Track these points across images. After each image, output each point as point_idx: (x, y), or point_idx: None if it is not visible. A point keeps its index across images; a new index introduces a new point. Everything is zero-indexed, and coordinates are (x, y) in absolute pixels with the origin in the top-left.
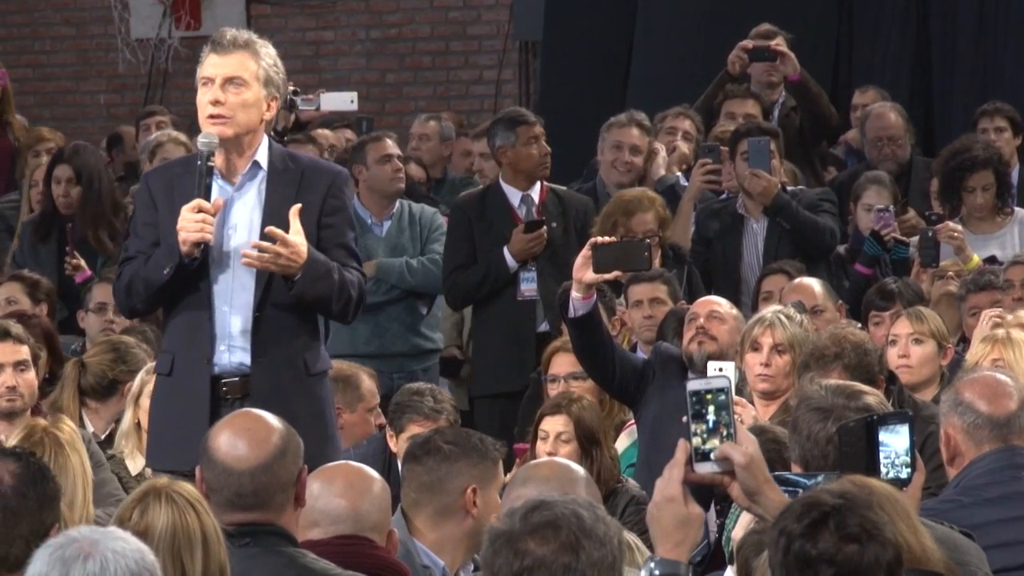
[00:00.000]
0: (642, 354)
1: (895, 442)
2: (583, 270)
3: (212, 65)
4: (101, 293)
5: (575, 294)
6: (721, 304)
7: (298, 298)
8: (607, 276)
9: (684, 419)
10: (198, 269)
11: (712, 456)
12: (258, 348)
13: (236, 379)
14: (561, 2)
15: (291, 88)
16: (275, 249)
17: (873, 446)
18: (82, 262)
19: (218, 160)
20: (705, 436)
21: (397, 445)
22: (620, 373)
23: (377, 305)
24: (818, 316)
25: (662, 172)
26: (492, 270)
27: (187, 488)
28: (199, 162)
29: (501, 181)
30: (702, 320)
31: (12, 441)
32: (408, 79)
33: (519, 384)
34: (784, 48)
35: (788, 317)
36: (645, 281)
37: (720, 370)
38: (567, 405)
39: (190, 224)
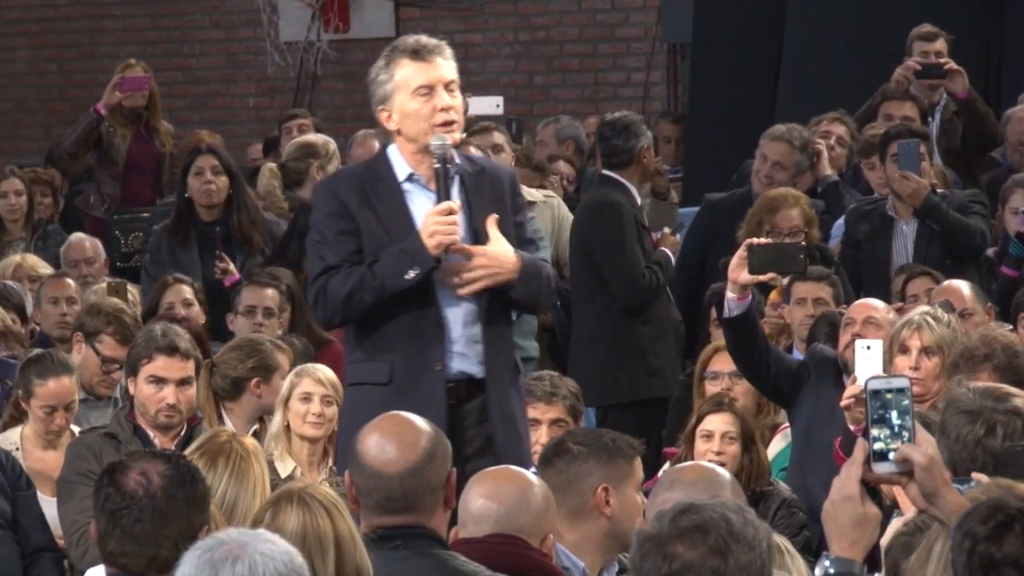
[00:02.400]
0: (798, 353)
1: None
2: (739, 271)
3: (423, 72)
4: (250, 296)
5: (730, 294)
6: (877, 309)
7: (515, 303)
8: (762, 278)
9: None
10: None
11: (891, 457)
12: (488, 352)
13: (453, 384)
14: (710, 3)
15: None
16: (476, 264)
17: None
18: (231, 265)
19: (420, 167)
20: (887, 440)
21: None
22: (775, 373)
23: None
24: (967, 319)
25: (827, 171)
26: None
27: (323, 492)
28: (437, 165)
29: (628, 184)
30: (858, 327)
31: (194, 445)
32: (556, 81)
33: None
34: (954, 65)
35: (936, 319)
36: (812, 280)
37: (868, 348)
38: (730, 404)
39: (443, 227)
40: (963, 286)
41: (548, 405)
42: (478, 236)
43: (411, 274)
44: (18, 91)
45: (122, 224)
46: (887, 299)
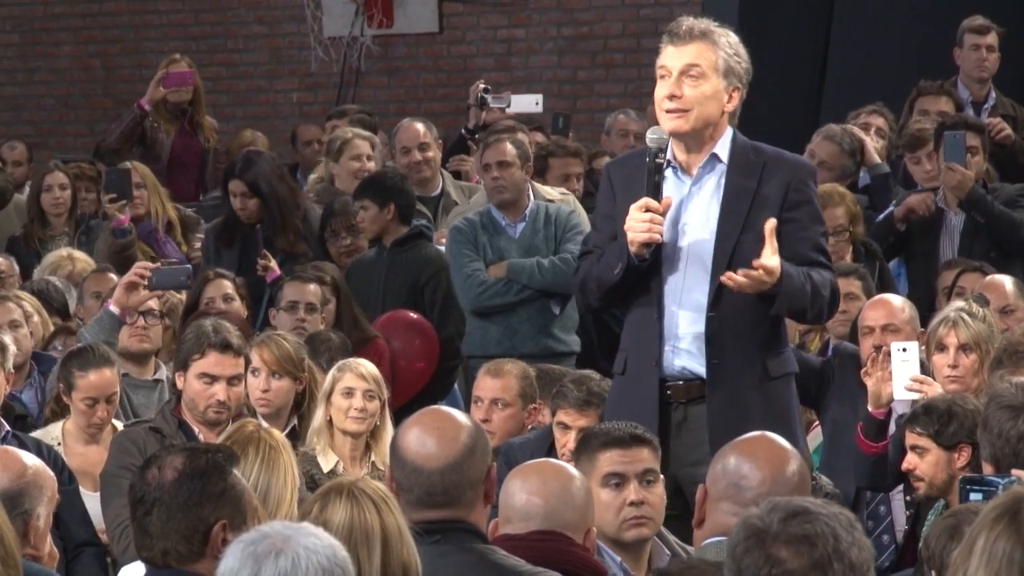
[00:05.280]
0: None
1: None
2: None
3: (668, 56)
4: (292, 291)
5: None
6: (895, 312)
7: (775, 314)
8: None
9: None
10: (650, 266)
11: None
12: (713, 350)
13: (680, 383)
14: None
15: (482, 86)
16: (758, 277)
17: None
18: (272, 262)
19: (677, 154)
20: None
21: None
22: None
23: (508, 306)
24: (1009, 315)
25: (876, 160)
26: None
27: (374, 486)
28: (647, 159)
29: None
30: (878, 334)
31: (223, 436)
32: (600, 76)
33: None
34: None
35: (971, 314)
36: (841, 275)
37: (904, 350)
38: None
39: (637, 224)
40: (1006, 281)
41: (579, 412)
42: (720, 228)
43: (616, 270)
44: (62, 86)
45: None
46: (933, 293)
